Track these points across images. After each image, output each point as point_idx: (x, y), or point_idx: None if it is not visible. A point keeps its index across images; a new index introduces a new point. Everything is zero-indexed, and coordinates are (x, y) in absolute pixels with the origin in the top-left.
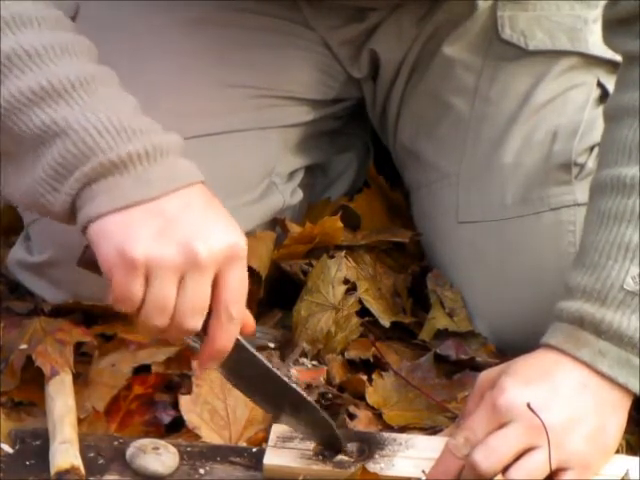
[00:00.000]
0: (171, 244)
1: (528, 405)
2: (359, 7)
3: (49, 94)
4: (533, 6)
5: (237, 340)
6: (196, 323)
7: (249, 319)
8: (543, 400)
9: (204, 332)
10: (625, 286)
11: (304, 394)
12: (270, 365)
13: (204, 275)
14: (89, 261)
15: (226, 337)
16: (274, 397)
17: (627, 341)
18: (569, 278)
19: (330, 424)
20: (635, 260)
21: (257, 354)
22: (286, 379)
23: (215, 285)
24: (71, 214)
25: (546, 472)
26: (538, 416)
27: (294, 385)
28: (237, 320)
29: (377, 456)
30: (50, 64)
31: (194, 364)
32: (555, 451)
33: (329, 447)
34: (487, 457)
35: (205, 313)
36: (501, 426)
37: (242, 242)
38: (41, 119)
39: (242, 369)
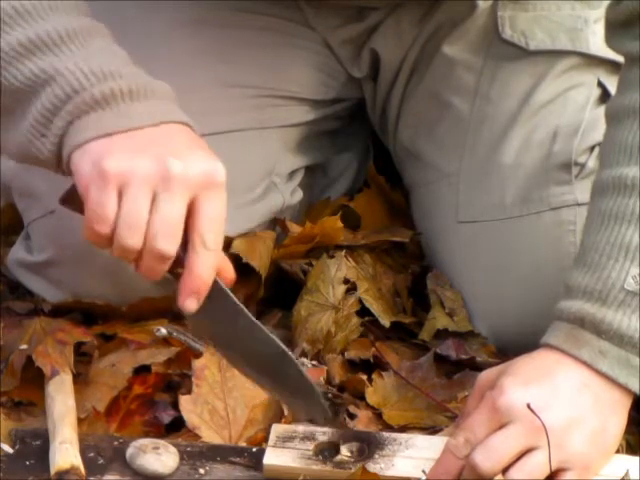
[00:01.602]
0: (145, 159)
1: (528, 405)
2: (359, 7)
3: (38, 46)
4: (533, 6)
5: (217, 284)
6: (169, 246)
7: (229, 268)
8: (543, 400)
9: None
10: (626, 286)
11: (286, 349)
12: (251, 315)
13: (177, 194)
14: (71, 198)
15: (203, 266)
16: (255, 354)
17: (627, 341)
18: (569, 278)
19: (312, 386)
20: (636, 260)
21: (237, 301)
22: (267, 330)
23: (191, 212)
24: (59, 158)
25: (546, 472)
26: (538, 417)
27: (277, 339)
28: (214, 250)
29: (377, 456)
30: (39, 19)
31: (194, 363)
32: (555, 451)
33: (313, 414)
34: (487, 458)
35: (179, 238)
36: (501, 426)
37: (220, 171)
38: (30, 69)
39: (222, 318)
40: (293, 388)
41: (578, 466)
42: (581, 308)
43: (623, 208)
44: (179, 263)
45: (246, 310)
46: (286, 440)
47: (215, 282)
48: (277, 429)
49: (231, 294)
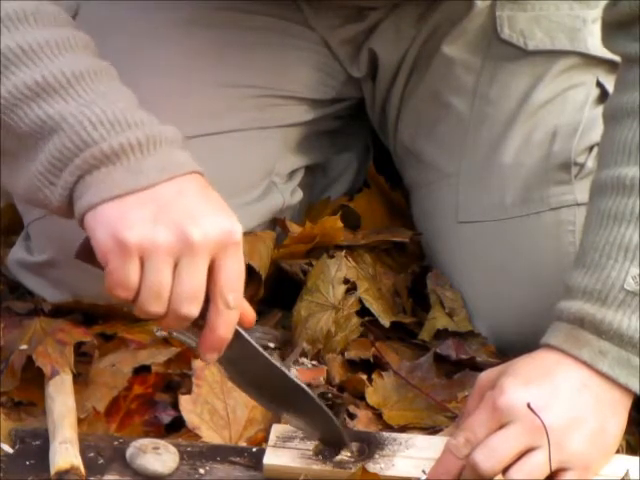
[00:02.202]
0: (165, 228)
1: (528, 405)
2: (358, 6)
3: (44, 89)
4: (532, 6)
5: (237, 331)
6: (192, 310)
7: (248, 310)
8: (543, 400)
9: (204, 321)
10: (626, 286)
11: (306, 387)
12: (270, 357)
13: (198, 260)
14: (87, 253)
15: (225, 325)
16: (275, 392)
17: (628, 341)
18: (569, 278)
19: (331, 418)
20: (635, 260)
21: (257, 346)
22: (287, 372)
23: (211, 272)
24: (69, 208)
25: (546, 472)
26: (539, 417)
27: (295, 378)
28: (235, 308)
29: (377, 456)
30: (45, 60)
31: (194, 363)
32: (555, 451)
33: (332, 443)
34: (488, 457)
35: (201, 300)
36: (501, 426)
37: (237, 229)
38: (37, 114)
39: (243, 362)
40: (311, 419)
41: (578, 466)
42: (581, 308)
43: (622, 208)
44: (200, 314)
45: (265, 352)
46: (286, 440)
47: (235, 329)
48: (277, 429)
49: (250, 339)
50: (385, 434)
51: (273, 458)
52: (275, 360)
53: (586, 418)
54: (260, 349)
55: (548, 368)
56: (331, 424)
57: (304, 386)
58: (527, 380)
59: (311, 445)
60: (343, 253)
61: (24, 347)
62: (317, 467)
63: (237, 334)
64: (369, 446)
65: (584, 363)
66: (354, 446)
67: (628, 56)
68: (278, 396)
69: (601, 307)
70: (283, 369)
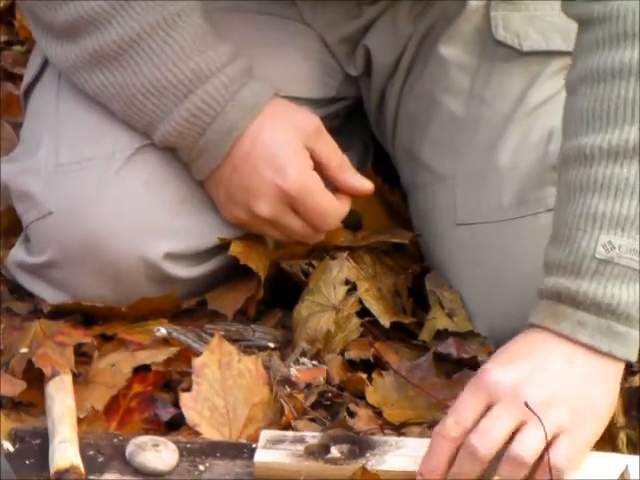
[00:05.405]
0: None
1: (526, 404)
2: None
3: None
4: (526, 6)
5: None
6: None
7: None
8: (526, 376)
9: None
10: (597, 255)
11: None
12: None
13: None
14: None
15: None
16: None
17: (606, 309)
18: (545, 256)
19: None
20: (604, 228)
21: None
22: None
23: None
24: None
25: (540, 446)
26: (532, 410)
27: None
28: None
29: (368, 455)
30: None
31: (194, 361)
32: (539, 424)
33: None
34: (482, 442)
35: None
36: (487, 405)
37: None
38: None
39: None
40: None
41: (564, 435)
42: (557, 283)
43: (585, 179)
44: None
45: None
46: (276, 442)
47: None
48: (266, 434)
49: None
50: (375, 437)
51: (264, 456)
52: None
53: (570, 392)
54: None
55: (533, 346)
56: None
57: None
58: (510, 359)
59: (301, 447)
60: (345, 254)
61: (24, 350)
62: (308, 463)
63: None
64: (360, 448)
65: (566, 337)
66: (345, 448)
67: (582, 18)
68: None
69: (575, 279)
70: None
